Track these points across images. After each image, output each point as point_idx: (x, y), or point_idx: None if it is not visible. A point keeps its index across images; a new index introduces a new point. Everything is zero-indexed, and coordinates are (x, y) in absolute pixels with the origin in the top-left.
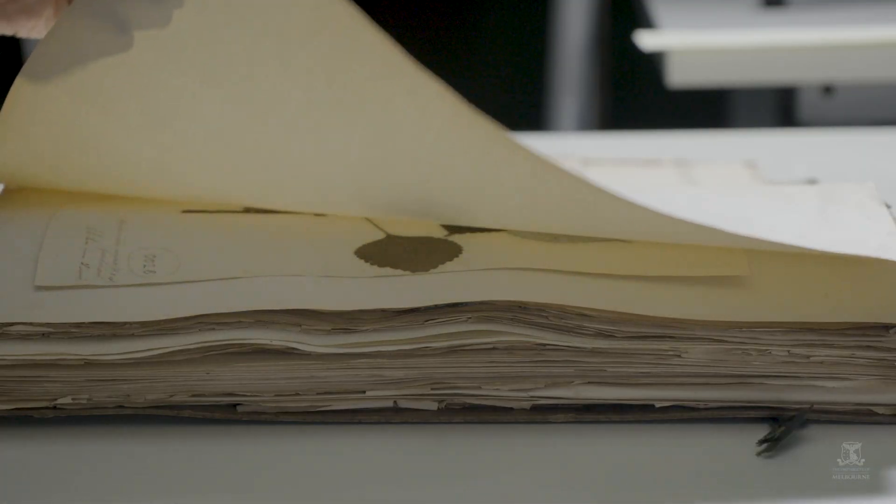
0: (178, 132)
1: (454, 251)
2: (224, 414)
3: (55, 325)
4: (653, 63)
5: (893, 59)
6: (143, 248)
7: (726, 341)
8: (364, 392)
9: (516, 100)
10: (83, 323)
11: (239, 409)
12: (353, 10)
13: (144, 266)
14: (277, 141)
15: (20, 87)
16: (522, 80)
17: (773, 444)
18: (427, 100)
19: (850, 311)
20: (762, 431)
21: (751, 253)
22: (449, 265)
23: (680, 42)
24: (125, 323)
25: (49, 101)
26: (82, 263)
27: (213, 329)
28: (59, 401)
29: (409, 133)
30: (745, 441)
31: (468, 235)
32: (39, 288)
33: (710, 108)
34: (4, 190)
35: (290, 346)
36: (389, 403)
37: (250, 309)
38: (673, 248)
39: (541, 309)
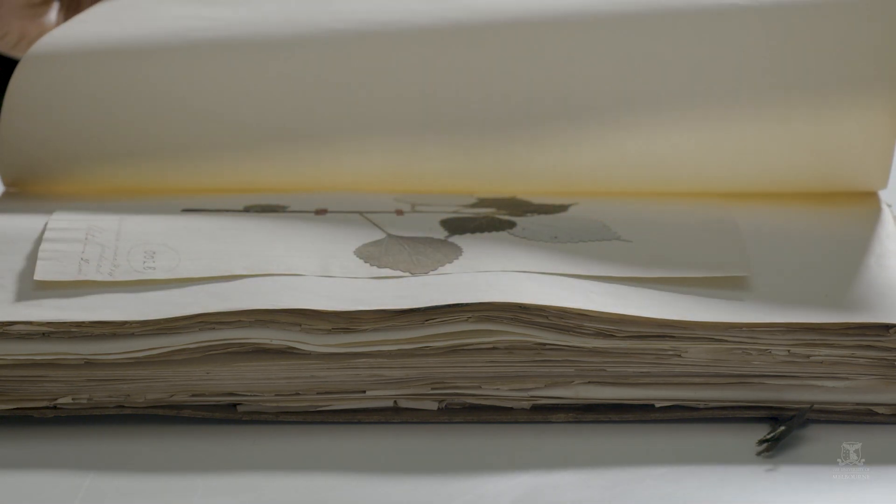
0: None
1: (454, 252)
2: (224, 414)
3: (55, 324)
4: None
5: None
6: (143, 244)
7: (726, 341)
8: (364, 392)
9: None
10: (83, 322)
11: (239, 408)
12: None
13: (144, 262)
14: None
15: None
16: None
17: (773, 444)
18: None
19: (850, 311)
20: (762, 431)
21: (751, 254)
22: (449, 266)
23: None
24: (125, 322)
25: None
26: (82, 259)
27: (213, 328)
28: (59, 401)
29: None
30: (745, 441)
31: (468, 237)
32: (38, 283)
33: None
34: (5, 192)
35: (290, 346)
36: (389, 403)
37: (250, 308)
38: (673, 248)
39: (541, 309)
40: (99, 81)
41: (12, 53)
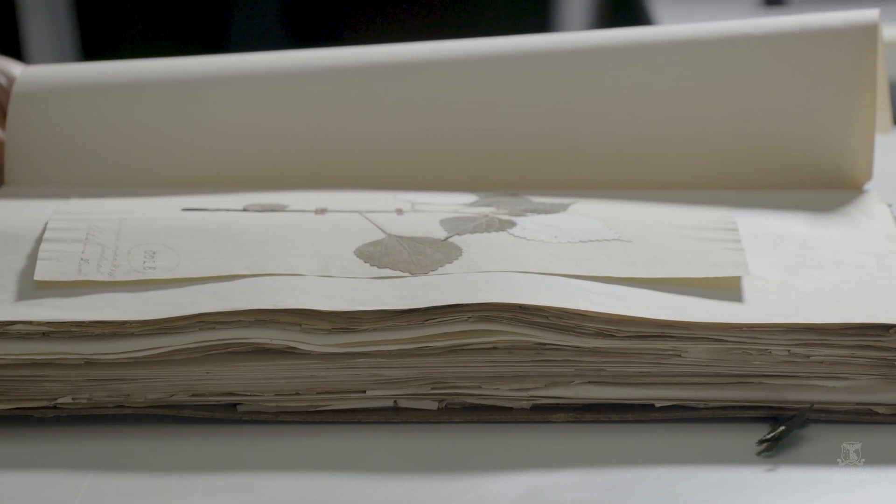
0: None
1: (454, 252)
2: (224, 413)
3: (55, 323)
4: None
5: (893, 59)
6: (143, 244)
7: (726, 341)
8: (364, 392)
9: None
10: (83, 322)
11: (239, 408)
12: None
13: (144, 262)
14: None
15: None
16: None
17: (773, 444)
18: None
19: (850, 311)
20: (762, 431)
21: (751, 254)
22: (449, 266)
23: None
24: (125, 322)
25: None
26: (82, 259)
27: (213, 328)
28: (59, 400)
29: None
30: (745, 441)
31: (468, 237)
32: (38, 283)
33: None
34: (4, 187)
35: (290, 346)
36: (389, 403)
37: (250, 308)
38: (672, 249)
39: (541, 309)
40: (100, 93)
41: None
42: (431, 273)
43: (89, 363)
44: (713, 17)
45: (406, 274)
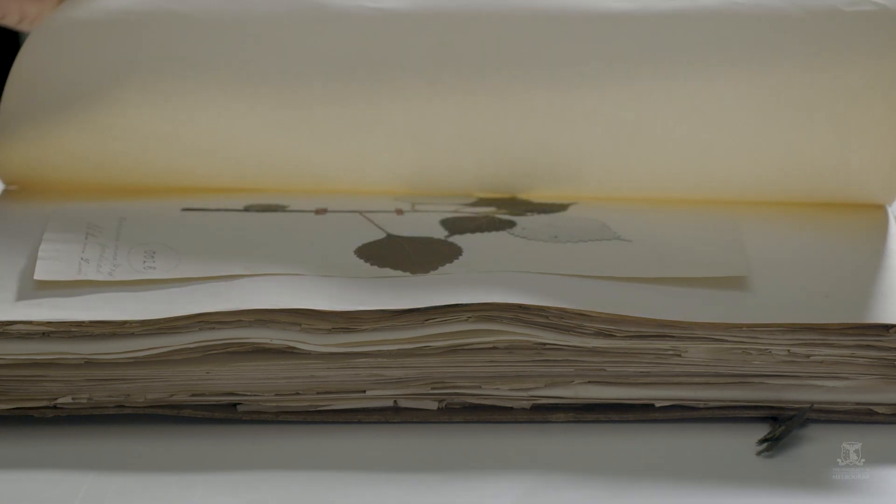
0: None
1: (454, 252)
2: (224, 413)
3: (55, 323)
4: None
5: None
6: (143, 243)
7: (726, 341)
8: (364, 391)
9: None
10: (83, 322)
11: (239, 408)
12: None
13: (144, 262)
14: None
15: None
16: None
17: (773, 444)
18: None
19: (850, 311)
20: (762, 431)
21: (752, 254)
22: (449, 266)
23: None
24: (125, 322)
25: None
26: (82, 258)
27: (213, 328)
28: (59, 400)
29: None
30: (745, 441)
31: (468, 237)
32: (38, 283)
33: None
34: (4, 190)
35: (290, 346)
36: (389, 403)
37: (250, 308)
38: (673, 248)
39: (541, 309)
40: (96, 72)
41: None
42: (431, 273)
43: (89, 363)
44: None
45: (406, 274)
